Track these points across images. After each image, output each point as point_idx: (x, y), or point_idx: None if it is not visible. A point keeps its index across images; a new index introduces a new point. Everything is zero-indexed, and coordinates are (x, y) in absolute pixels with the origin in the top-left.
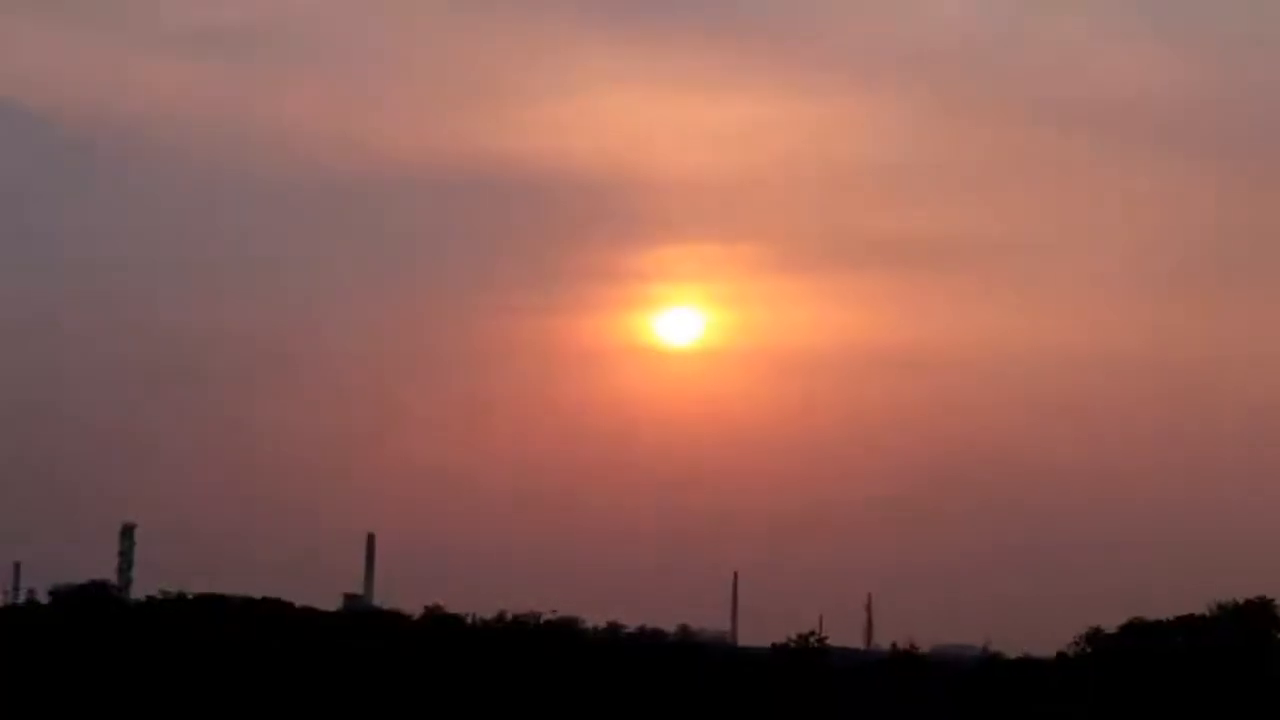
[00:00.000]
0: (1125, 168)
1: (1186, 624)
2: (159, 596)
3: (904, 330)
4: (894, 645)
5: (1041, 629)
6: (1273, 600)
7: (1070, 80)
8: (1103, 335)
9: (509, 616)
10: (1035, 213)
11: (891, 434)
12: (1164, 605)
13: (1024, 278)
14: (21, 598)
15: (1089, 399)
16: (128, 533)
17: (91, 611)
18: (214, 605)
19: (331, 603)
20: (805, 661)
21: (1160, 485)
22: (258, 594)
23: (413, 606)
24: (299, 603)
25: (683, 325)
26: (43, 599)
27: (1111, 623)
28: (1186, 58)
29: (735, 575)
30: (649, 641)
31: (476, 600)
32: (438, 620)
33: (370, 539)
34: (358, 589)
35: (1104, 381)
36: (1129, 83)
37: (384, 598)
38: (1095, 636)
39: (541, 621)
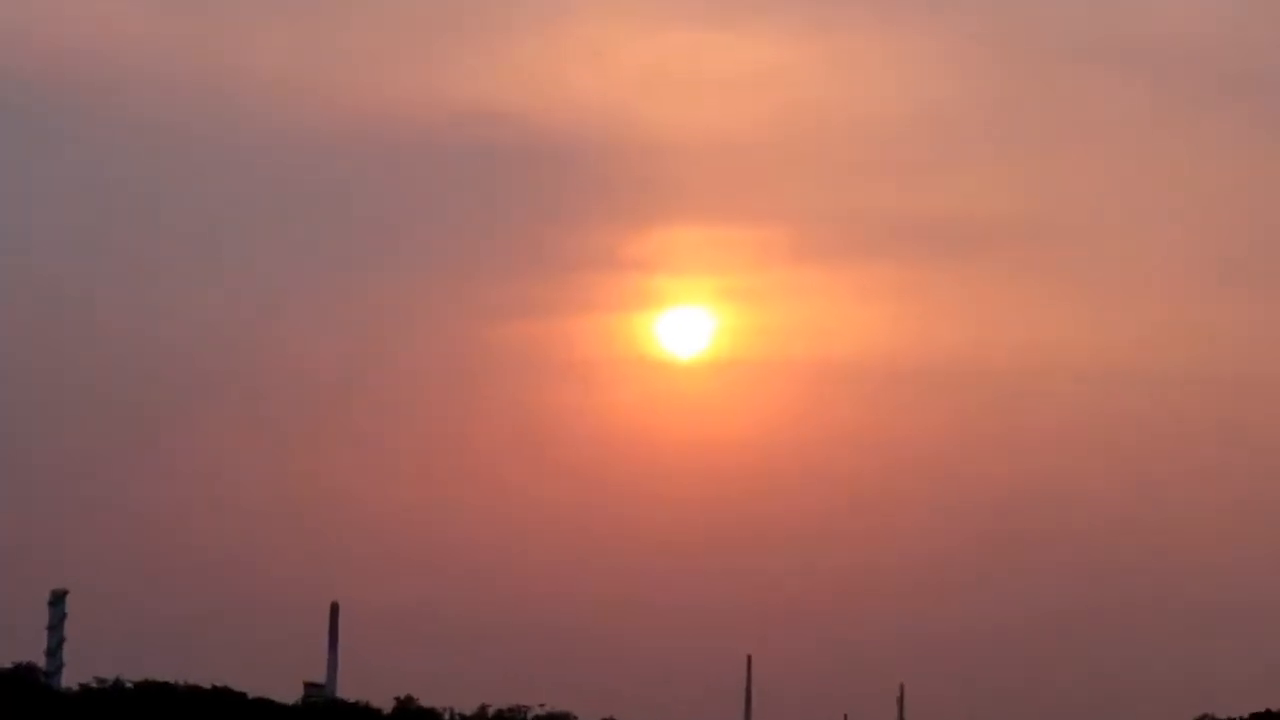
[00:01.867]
0: (1233, 127)
1: None
2: (94, 685)
3: (954, 337)
4: None
5: None
6: None
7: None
8: (1202, 346)
9: (491, 711)
10: (1121, 184)
11: (936, 470)
12: (1236, 699)
13: (1105, 270)
14: None
15: (1177, 431)
16: (58, 601)
17: (16, 702)
18: (157, 695)
19: (291, 693)
20: None
21: (1248, 549)
22: (206, 682)
23: (382, 698)
24: (253, 693)
25: (690, 329)
26: None
27: None
28: None
29: (749, 660)
30: None
31: (454, 690)
32: (410, 715)
33: (334, 610)
34: (319, 671)
35: (1199, 409)
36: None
37: (350, 687)
38: None
39: (530, 717)
